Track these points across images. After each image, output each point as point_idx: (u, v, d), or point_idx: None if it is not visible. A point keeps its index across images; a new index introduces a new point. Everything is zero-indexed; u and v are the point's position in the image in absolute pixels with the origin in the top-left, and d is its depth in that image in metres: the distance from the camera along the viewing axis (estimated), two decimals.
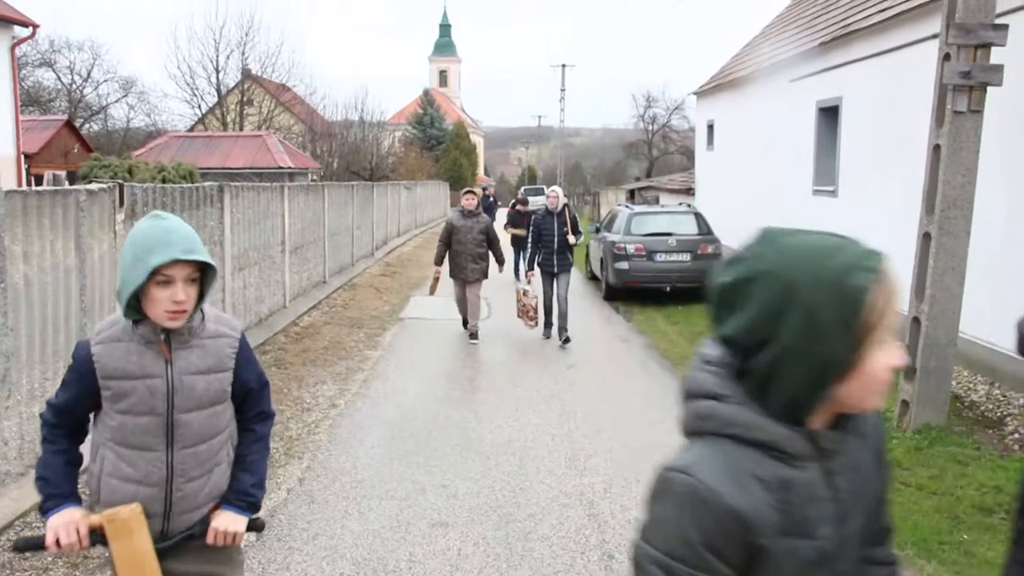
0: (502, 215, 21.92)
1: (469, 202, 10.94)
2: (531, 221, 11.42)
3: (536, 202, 19.36)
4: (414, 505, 5.41)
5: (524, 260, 12.42)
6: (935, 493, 5.59)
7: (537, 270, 11.10)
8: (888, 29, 10.86)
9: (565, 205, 10.94)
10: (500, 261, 11.27)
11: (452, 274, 10.91)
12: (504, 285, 13.66)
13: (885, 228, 10.68)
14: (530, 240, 11.18)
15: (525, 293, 11.06)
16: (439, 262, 10.95)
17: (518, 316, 11.18)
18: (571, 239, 10.77)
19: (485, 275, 10.92)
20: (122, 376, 2.37)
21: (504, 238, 16.36)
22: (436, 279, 11.09)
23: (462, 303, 11.12)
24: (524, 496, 5.58)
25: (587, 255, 18.37)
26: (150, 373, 2.38)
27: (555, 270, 10.89)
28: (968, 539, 4.89)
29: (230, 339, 2.52)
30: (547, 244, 10.89)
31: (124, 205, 6.54)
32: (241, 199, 9.65)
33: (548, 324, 11.22)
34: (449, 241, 10.85)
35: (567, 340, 10.72)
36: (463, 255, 10.74)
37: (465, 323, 11.26)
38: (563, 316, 10.82)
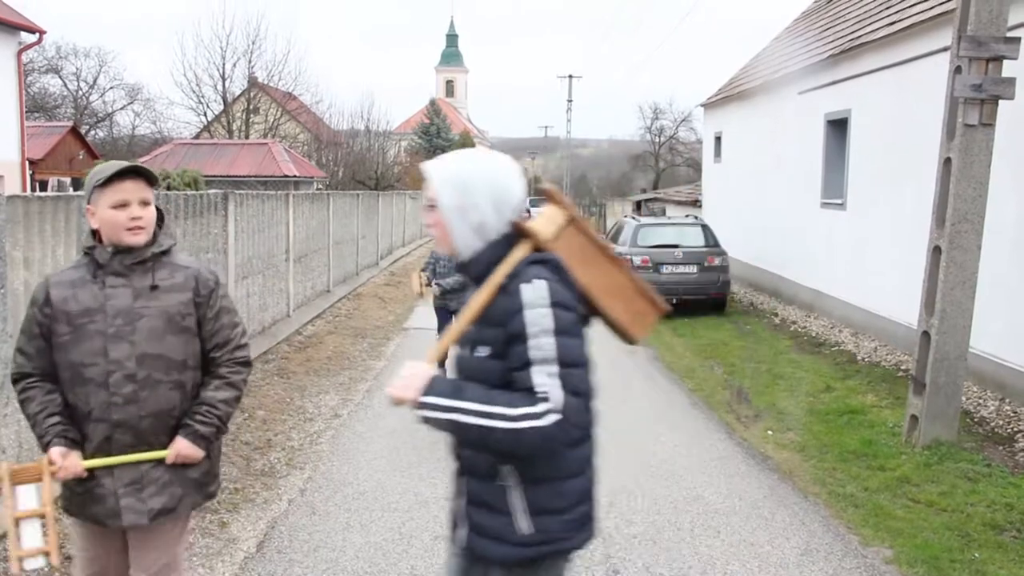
0: None
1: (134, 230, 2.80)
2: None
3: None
4: (416, 518, 5.34)
5: None
6: (945, 510, 5.51)
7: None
8: (898, 42, 10.81)
9: None
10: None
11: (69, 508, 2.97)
12: None
13: (894, 241, 10.65)
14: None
15: None
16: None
17: None
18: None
19: (205, 491, 3.01)
20: None
21: None
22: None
23: None
24: None
25: None
26: None
27: None
28: (980, 557, 4.81)
29: None
30: None
31: None
32: (246, 207, 9.61)
33: None
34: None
35: None
36: (97, 415, 2.81)
37: None
38: None
